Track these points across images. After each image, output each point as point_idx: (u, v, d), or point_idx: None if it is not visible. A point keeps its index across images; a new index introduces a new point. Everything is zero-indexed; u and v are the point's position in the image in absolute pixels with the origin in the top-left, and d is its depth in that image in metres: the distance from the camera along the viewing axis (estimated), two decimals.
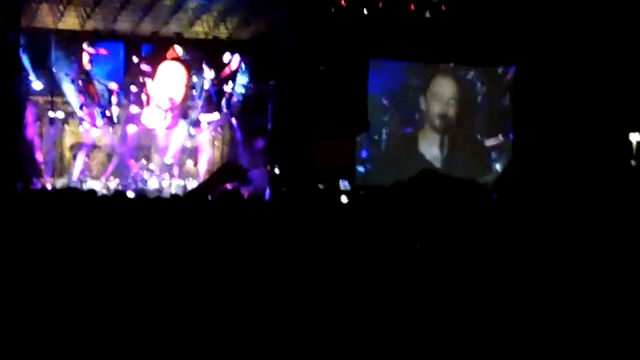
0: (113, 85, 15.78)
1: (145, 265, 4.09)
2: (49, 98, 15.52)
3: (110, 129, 15.90)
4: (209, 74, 16.15)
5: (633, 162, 14.17)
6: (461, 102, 15.82)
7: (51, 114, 15.50)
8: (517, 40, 14.90)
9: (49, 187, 13.84)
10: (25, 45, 14.81)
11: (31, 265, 3.99)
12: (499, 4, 14.63)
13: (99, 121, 15.72)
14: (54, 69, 15.21)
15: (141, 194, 12.84)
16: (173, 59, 15.94)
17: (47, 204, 6.10)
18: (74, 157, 15.60)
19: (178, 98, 16.03)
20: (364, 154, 15.57)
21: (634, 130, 14.35)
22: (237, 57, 16.09)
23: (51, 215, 5.39)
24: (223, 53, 16.06)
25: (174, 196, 9.51)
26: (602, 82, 14.29)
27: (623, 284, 2.74)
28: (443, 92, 15.80)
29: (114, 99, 15.77)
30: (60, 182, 14.69)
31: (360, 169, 15.51)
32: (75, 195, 6.45)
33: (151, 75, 15.90)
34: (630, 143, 14.33)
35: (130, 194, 10.29)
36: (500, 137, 15.92)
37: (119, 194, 7.71)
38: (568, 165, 13.46)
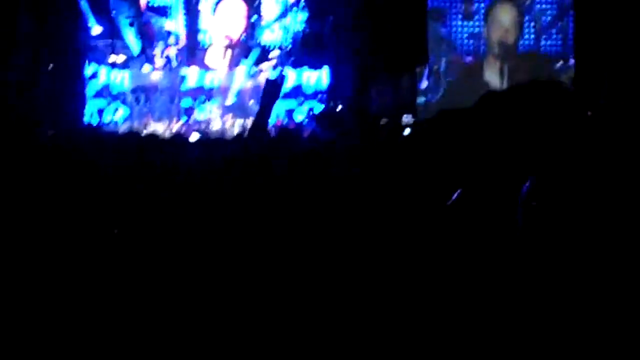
0: (171, 26, 15.80)
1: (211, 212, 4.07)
2: (109, 42, 15.50)
3: (171, 70, 15.88)
4: (268, 11, 16.06)
5: None
6: (520, 28, 15.58)
7: (112, 57, 15.49)
8: None
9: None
10: None
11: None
12: None
13: (159, 63, 15.69)
14: (112, 13, 15.22)
15: (204, 135, 12.86)
16: None
17: (111, 146, 6.15)
18: (136, 100, 15.61)
19: (235, 35, 16.01)
20: (423, 84, 15.41)
21: None
22: None
23: (114, 158, 5.42)
24: None
25: (237, 136, 9.50)
26: None
27: None
28: (501, 19, 15.55)
29: (171, 40, 15.79)
30: (124, 126, 14.73)
31: (421, 100, 15.34)
32: (137, 138, 6.49)
33: (210, 12, 15.91)
34: None
35: (194, 136, 10.26)
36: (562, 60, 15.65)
37: (181, 137, 7.71)
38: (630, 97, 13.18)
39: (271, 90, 5.24)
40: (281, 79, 7.61)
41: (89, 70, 15.17)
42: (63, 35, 14.31)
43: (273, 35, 16.30)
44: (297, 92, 16.05)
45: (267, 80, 5.46)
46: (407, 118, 14.15)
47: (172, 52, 15.78)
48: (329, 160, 5.49)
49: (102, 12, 15.23)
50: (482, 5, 15.51)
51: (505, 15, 15.46)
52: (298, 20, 16.22)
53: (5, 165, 4.53)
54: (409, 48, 14.67)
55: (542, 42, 15.70)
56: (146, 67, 15.78)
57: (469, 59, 15.49)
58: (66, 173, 4.50)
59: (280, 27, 16.30)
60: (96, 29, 15.15)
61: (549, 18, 15.54)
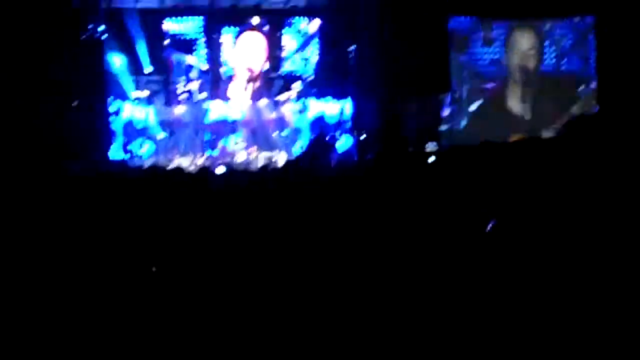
0: (192, 60, 15.94)
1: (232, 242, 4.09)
2: (133, 77, 15.76)
3: (194, 104, 16.04)
4: (288, 43, 16.21)
5: None
6: (541, 53, 15.62)
7: (135, 93, 15.71)
8: None
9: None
10: (106, 25, 15.06)
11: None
12: None
13: (183, 97, 15.87)
14: (136, 48, 15.47)
15: (230, 168, 12.92)
16: (252, 29, 16.04)
17: (139, 182, 6.19)
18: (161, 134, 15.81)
19: (257, 67, 16.09)
20: (446, 112, 15.44)
21: None
22: (317, 22, 16.16)
23: (139, 194, 5.46)
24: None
25: (262, 168, 9.55)
26: None
27: None
28: (521, 44, 15.59)
29: (193, 74, 15.92)
30: (150, 161, 14.87)
31: (444, 127, 15.36)
32: (160, 174, 6.53)
33: (231, 45, 16.09)
34: None
35: (221, 169, 10.31)
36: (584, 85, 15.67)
37: (206, 171, 7.75)
38: None
39: (320, 151, 5.35)
40: (332, 139, 7.71)
41: (113, 106, 15.36)
42: (87, 72, 14.44)
43: (294, 66, 16.44)
44: (320, 122, 16.13)
45: (314, 141, 5.56)
46: (431, 145, 14.17)
47: (194, 86, 15.93)
48: (355, 187, 5.52)
49: (127, 50, 15.58)
50: (502, 31, 15.56)
51: (524, 41, 15.50)
52: (317, 51, 16.41)
53: (34, 197, 4.58)
54: (431, 76, 14.72)
55: (564, 67, 15.71)
56: (169, 102, 16.02)
57: (490, 85, 15.50)
58: (91, 207, 4.55)
59: (301, 58, 16.43)
60: (120, 67, 15.39)
61: (569, 42, 15.56)
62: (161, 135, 15.80)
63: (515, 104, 15.43)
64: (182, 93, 15.95)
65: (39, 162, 10.83)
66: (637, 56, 14.20)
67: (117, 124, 15.46)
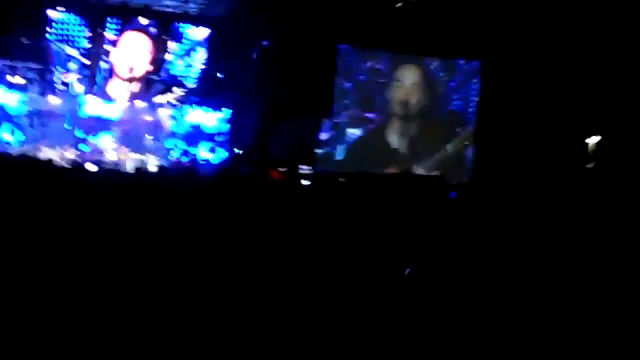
0: (73, 52, 15.61)
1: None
2: (9, 62, 15.26)
3: (69, 98, 15.69)
4: (173, 47, 16.14)
5: (589, 165, 14.40)
6: (424, 90, 15.97)
7: (9, 78, 15.31)
8: (482, 35, 15.05)
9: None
10: None
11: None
12: None
13: (59, 88, 15.53)
14: (16, 32, 14.92)
15: (100, 167, 12.75)
16: (137, 29, 15.89)
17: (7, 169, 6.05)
18: (31, 124, 15.45)
19: (139, 69, 15.98)
20: (324, 136, 15.61)
21: (591, 134, 14.62)
22: (206, 31, 16.16)
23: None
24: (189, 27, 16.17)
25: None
26: (563, 82, 14.52)
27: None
28: (406, 78, 15.92)
29: (73, 66, 15.61)
30: (17, 149, 14.50)
31: (320, 151, 15.53)
32: (31, 164, 6.41)
33: (115, 44, 15.81)
34: (587, 145, 14.58)
35: (92, 167, 10.18)
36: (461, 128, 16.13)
37: (78, 166, 7.66)
38: (526, 162, 13.73)
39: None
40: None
41: None
42: None
43: (177, 71, 16.39)
44: (197, 131, 16.14)
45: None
46: (305, 168, 14.31)
47: (72, 78, 15.63)
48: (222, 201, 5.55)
49: (6, 33, 14.95)
50: (389, 64, 15.91)
51: (409, 76, 15.87)
52: (202, 59, 16.36)
53: None
54: (314, 99, 14.88)
55: (445, 107, 16.18)
56: (44, 92, 15.59)
57: (371, 115, 15.79)
58: None
59: (185, 65, 16.38)
60: None
61: (453, 83, 16.02)
62: (31, 124, 15.42)
63: (393, 137, 15.75)
64: (58, 84, 15.59)
65: None
66: (517, 101, 14.76)
67: None
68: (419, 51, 15.71)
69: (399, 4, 14.78)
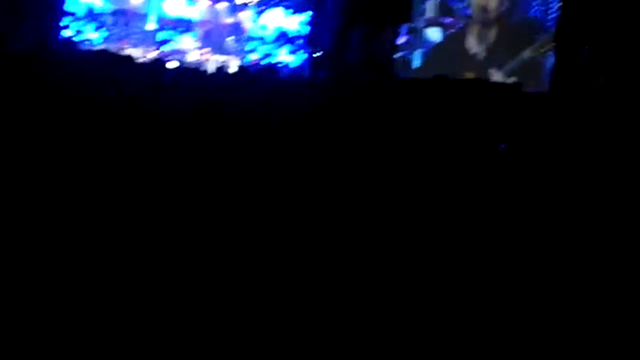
0: None
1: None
2: None
3: None
4: None
5: None
6: None
7: None
8: None
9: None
10: None
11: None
12: None
13: None
14: None
15: (181, 66, 12.97)
16: None
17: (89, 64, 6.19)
18: (114, 23, 15.59)
19: None
20: (401, 40, 15.53)
21: None
22: None
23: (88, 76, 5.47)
24: None
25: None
26: None
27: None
28: None
29: None
30: (100, 47, 14.70)
31: (398, 55, 15.47)
32: (113, 59, 6.54)
33: None
34: None
35: (173, 64, 10.37)
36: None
37: (160, 64, 7.76)
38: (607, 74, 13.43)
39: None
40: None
41: None
42: None
43: None
44: (277, 34, 16.11)
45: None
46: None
47: None
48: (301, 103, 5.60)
49: None
50: None
51: None
52: None
53: None
54: (392, 3, 14.80)
55: (523, 12, 15.84)
56: None
57: (448, 20, 15.58)
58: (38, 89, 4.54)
59: None
60: None
61: None
62: (114, 23, 15.55)
63: (473, 45, 15.53)
64: None
65: None
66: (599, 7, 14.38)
67: (72, 6, 15.22)
68: None
69: None
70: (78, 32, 15.13)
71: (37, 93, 4.45)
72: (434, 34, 15.46)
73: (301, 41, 15.97)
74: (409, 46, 15.40)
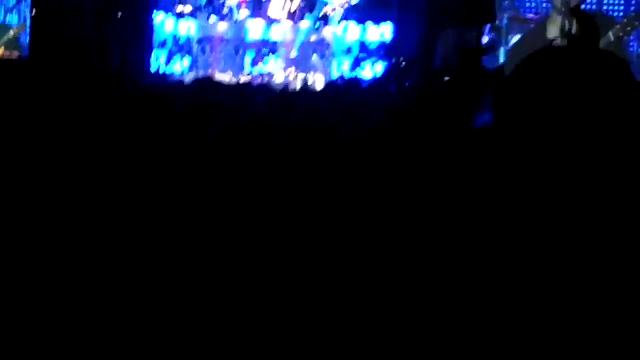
0: None
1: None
2: None
3: (236, 22, 16.17)
4: None
5: None
6: None
7: (179, 7, 15.82)
8: None
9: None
10: None
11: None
12: None
13: (226, 13, 16.02)
14: None
15: (269, 87, 13.19)
16: None
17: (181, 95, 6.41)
18: (202, 50, 15.97)
19: None
20: (484, 40, 15.54)
21: None
22: None
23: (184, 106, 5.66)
24: None
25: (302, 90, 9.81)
26: None
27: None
28: None
29: None
30: (189, 76, 15.00)
31: (484, 56, 15.45)
32: (209, 85, 6.75)
33: None
34: None
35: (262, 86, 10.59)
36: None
37: (247, 86, 7.98)
38: None
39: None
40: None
41: (156, 19, 15.49)
42: None
43: None
44: (360, 47, 16.30)
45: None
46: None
47: (236, 2, 16.12)
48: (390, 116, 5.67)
49: None
50: None
51: None
52: None
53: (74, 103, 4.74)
54: (474, 4, 14.85)
55: (605, 2, 15.72)
56: (212, 18, 16.12)
57: (530, 15, 15.54)
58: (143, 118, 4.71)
59: None
60: None
61: None
62: (202, 51, 15.95)
63: (555, 33, 15.39)
64: (225, 10, 16.09)
65: (78, 71, 11.20)
66: None
67: (159, 37, 15.67)
68: None
69: None
70: (167, 62, 15.62)
71: (130, 125, 4.57)
72: (516, 31, 15.45)
73: (384, 52, 16.12)
74: (493, 45, 15.39)
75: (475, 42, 15.18)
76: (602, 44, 15.10)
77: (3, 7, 14.52)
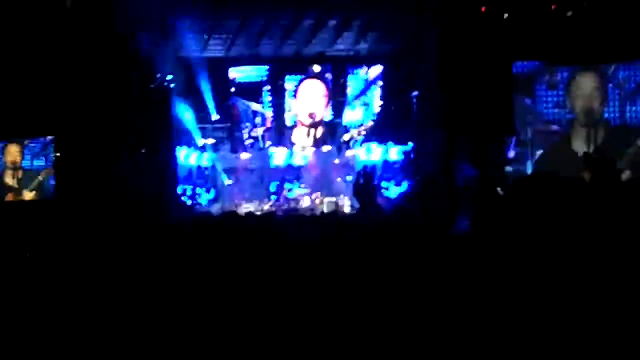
0: (257, 107, 16.71)
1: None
2: (198, 125, 16.49)
3: (260, 150, 16.67)
4: (349, 89, 16.99)
5: None
6: (604, 95, 15.71)
7: (201, 141, 16.36)
8: None
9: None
10: (174, 74, 15.63)
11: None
12: None
13: (248, 143, 16.65)
14: (203, 97, 16.20)
15: (294, 213, 13.27)
16: (313, 77, 16.93)
17: (208, 230, 6.38)
18: (226, 181, 16.36)
19: (319, 114, 16.89)
20: (511, 154, 15.60)
21: None
22: (378, 69, 16.92)
23: (214, 242, 5.62)
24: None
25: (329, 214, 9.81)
26: None
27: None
28: (585, 86, 15.71)
29: (258, 120, 16.70)
30: (215, 207, 15.28)
31: (509, 169, 15.52)
32: (235, 219, 6.73)
33: (294, 94, 16.84)
34: None
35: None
36: None
37: (272, 216, 7.96)
38: None
39: (364, 184, 5.53)
40: (371, 169, 7.83)
41: (180, 154, 15.93)
42: (155, 119, 15.03)
43: (356, 112, 17.11)
44: (382, 167, 16.66)
45: (359, 175, 5.75)
46: (498, 190, 14.33)
47: (259, 132, 16.69)
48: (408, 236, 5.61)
49: (192, 98, 16.21)
50: (566, 74, 15.71)
51: (588, 84, 15.64)
52: (378, 96, 17.11)
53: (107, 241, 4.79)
54: (495, 119, 14.96)
55: (628, 110, 15.80)
56: (234, 149, 16.69)
57: (555, 127, 15.63)
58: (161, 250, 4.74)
59: (362, 104, 17.13)
60: (185, 114, 16.05)
61: (632, 85, 15.64)
62: (227, 181, 16.31)
63: (581, 147, 15.46)
64: (247, 140, 16.67)
65: (109, 207, 11.35)
66: None
67: (184, 171, 16.05)
68: (596, 59, 15.48)
69: (569, 13, 14.75)
70: (192, 194, 15.93)
71: (156, 260, 4.62)
72: (541, 144, 15.55)
73: (407, 170, 16.32)
74: (519, 158, 15.47)
75: (498, 155, 15.31)
76: (631, 151, 15.19)
77: (30, 152, 14.87)
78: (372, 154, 16.69)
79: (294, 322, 3.69)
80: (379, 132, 16.99)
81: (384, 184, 16.24)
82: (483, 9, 15.15)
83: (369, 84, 17.05)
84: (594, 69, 15.73)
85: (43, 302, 3.93)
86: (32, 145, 14.84)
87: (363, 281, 4.02)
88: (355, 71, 17.05)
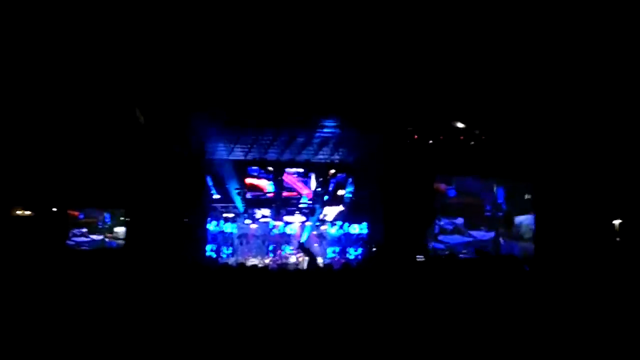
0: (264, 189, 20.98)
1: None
2: (224, 204, 20.77)
3: (263, 223, 20.77)
4: (313, 184, 21.05)
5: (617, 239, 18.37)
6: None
7: (225, 214, 20.71)
8: (534, 161, 19.17)
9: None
10: (209, 170, 20.15)
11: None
12: (523, 131, 18.53)
13: (256, 218, 20.91)
14: (227, 186, 20.59)
15: (283, 267, 18.23)
16: (303, 174, 21.21)
17: (227, 274, 7.99)
18: (240, 242, 20.61)
19: (305, 202, 21.11)
20: (429, 233, 19.72)
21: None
22: (350, 171, 21.17)
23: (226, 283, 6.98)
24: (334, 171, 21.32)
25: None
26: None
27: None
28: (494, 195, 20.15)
29: (264, 203, 21.02)
30: (231, 260, 19.72)
31: (437, 245, 19.83)
32: (244, 268, 8.87)
33: (290, 185, 21.12)
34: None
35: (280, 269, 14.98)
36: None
37: (267, 268, 12.24)
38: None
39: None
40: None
41: (210, 223, 20.56)
42: (196, 201, 19.57)
43: (330, 201, 21.37)
44: (347, 238, 21.16)
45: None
46: (419, 257, 18.57)
47: (264, 212, 21.04)
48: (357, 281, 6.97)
49: (220, 186, 20.59)
50: (480, 185, 20.23)
51: (494, 194, 20.44)
52: (349, 191, 21.42)
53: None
54: (423, 211, 19.55)
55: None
56: (247, 221, 20.91)
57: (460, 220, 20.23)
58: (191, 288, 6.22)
59: (335, 196, 21.45)
60: (216, 196, 20.73)
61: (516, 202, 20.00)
62: (240, 242, 20.58)
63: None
64: (256, 215, 20.89)
65: (166, 255, 15.19)
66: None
67: (212, 234, 20.46)
68: (492, 174, 19.84)
69: (472, 142, 19.32)
70: (217, 250, 20.40)
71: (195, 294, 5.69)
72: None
73: (363, 241, 21.10)
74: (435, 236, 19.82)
75: (422, 234, 19.78)
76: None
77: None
78: (340, 228, 21.05)
79: (285, 339, 4.62)
80: (344, 215, 21.18)
81: (345, 250, 20.75)
82: (415, 136, 19.26)
83: (341, 180, 21.07)
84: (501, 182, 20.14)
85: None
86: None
87: (331, 308, 4.89)
88: (331, 171, 21.06)
